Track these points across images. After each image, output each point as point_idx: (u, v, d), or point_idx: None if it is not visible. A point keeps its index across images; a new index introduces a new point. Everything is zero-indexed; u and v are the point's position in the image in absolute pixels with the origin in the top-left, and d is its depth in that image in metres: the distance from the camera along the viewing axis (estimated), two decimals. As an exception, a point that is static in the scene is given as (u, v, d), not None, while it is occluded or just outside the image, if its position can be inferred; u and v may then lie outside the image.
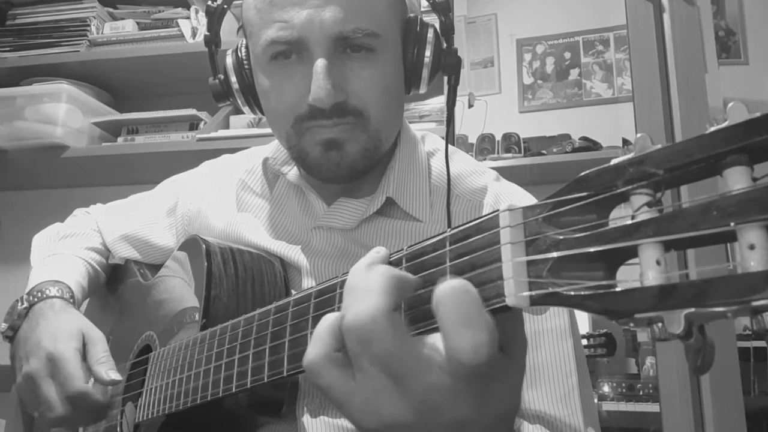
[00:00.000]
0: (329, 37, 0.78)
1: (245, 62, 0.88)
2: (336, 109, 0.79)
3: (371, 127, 0.82)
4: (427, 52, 0.85)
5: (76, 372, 0.85)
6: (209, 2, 0.91)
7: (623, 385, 2.29)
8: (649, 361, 2.33)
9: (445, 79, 0.89)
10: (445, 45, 0.87)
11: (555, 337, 0.81)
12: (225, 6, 0.91)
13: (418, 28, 0.86)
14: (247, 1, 0.85)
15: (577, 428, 0.78)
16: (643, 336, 2.40)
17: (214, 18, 0.92)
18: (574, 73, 2.89)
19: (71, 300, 0.97)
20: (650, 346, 2.33)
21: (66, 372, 0.85)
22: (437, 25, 0.88)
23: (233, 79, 0.88)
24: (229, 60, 0.89)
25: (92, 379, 0.88)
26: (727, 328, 1.60)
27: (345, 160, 0.82)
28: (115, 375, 0.86)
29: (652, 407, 2.17)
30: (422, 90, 0.88)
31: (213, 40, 0.93)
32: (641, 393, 2.25)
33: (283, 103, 0.83)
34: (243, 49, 0.89)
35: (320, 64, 0.78)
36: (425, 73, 0.86)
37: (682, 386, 1.57)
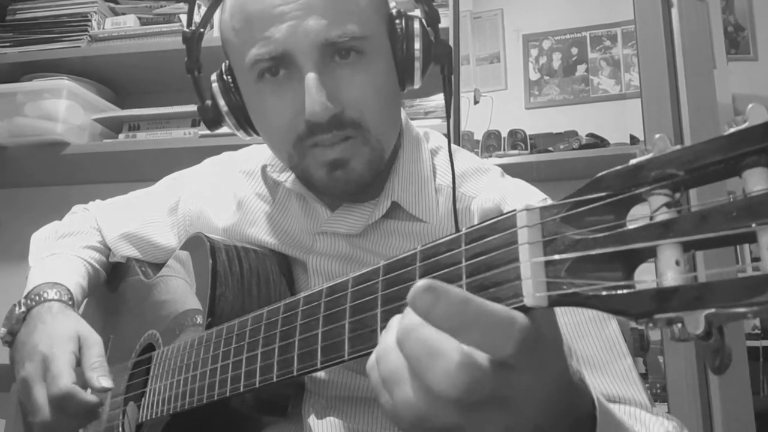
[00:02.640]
0: (315, 46, 0.76)
1: (231, 83, 0.86)
2: (334, 122, 0.77)
3: (372, 138, 0.81)
4: (417, 46, 0.83)
5: (64, 371, 0.82)
6: (185, 29, 0.89)
7: (631, 384, 2.27)
8: (658, 360, 2.31)
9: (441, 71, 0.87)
10: (433, 36, 0.85)
11: (598, 323, 0.79)
12: (201, 30, 0.89)
13: (403, 23, 0.84)
14: (223, 21, 0.83)
15: (646, 406, 0.77)
16: (651, 335, 2.38)
17: (193, 44, 0.89)
18: (581, 69, 2.86)
19: (70, 302, 0.96)
20: (659, 346, 2.31)
21: (54, 371, 0.83)
22: (422, 17, 0.86)
23: (221, 102, 0.86)
24: (215, 84, 0.87)
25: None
26: (736, 327, 1.59)
27: (352, 177, 0.81)
28: (106, 382, 0.83)
29: (660, 407, 2.15)
30: (417, 85, 0.86)
31: (194, 66, 0.90)
32: (650, 393, 2.24)
33: (279, 123, 0.81)
34: (227, 72, 0.86)
35: (311, 77, 0.75)
36: (417, 66, 0.84)
37: (691, 386, 1.56)
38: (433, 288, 0.40)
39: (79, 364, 0.86)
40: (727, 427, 1.54)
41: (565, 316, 0.79)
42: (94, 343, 0.88)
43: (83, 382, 0.84)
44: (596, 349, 0.79)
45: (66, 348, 0.85)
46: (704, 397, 1.58)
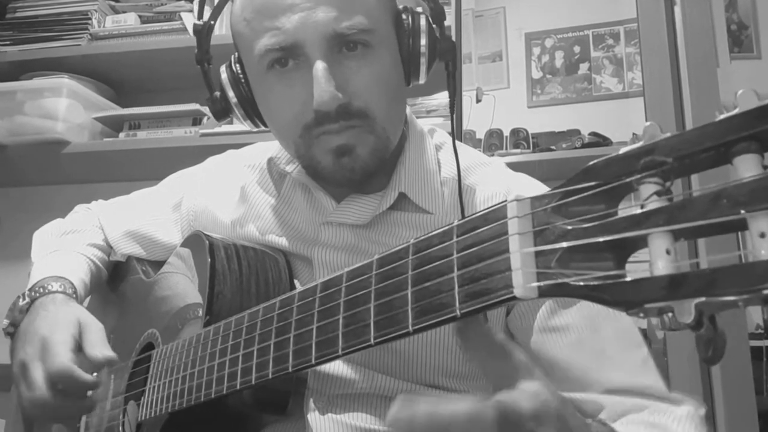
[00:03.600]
0: (324, 37, 0.77)
1: (240, 75, 0.87)
2: (341, 112, 0.78)
3: (378, 127, 0.82)
4: (423, 41, 0.84)
5: (61, 349, 0.83)
6: (196, 21, 0.91)
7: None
8: (661, 360, 2.30)
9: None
10: (438, 32, 0.86)
11: (612, 314, 0.79)
12: (212, 22, 0.91)
13: (410, 19, 0.85)
14: (234, 14, 0.84)
15: (662, 393, 0.77)
16: (653, 336, 2.37)
17: (203, 36, 0.91)
18: (583, 68, 2.86)
19: (74, 296, 0.96)
20: (661, 346, 2.30)
21: (52, 351, 0.83)
22: (427, 13, 0.87)
23: (230, 93, 0.88)
24: (224, 75, 0.88)
25: (95, 374, 0.85)
26: (739, 326, 1.59)
27: (358, 164, 0.82)
28: (108, 352, 0.84)
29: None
30: (422, 80, 0.87)
31: (204, 57, 0.93)
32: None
33: (287, 113, 0.82)
34: (236, 64, 0.88)
35: (320, 66, 0.77)
36: (423, 62, 0.85)
37: (693, 386, 1.56)
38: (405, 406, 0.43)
39: (79, 348, 0.86)
40: (730, 427, 1.54)
41: (580, 311, 0.80)
42: (95, 327, 0.88)
43: (83, 367, 0.83)
44: (611, 341, 0.79)
45: (66, 330, 0.86)
46: (707, 397, 1.57)
